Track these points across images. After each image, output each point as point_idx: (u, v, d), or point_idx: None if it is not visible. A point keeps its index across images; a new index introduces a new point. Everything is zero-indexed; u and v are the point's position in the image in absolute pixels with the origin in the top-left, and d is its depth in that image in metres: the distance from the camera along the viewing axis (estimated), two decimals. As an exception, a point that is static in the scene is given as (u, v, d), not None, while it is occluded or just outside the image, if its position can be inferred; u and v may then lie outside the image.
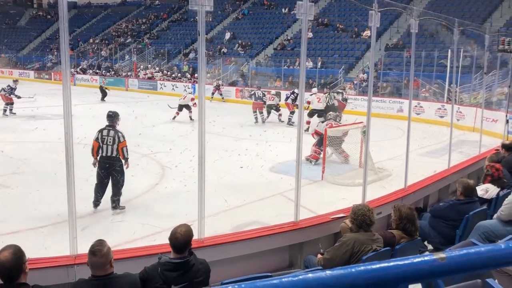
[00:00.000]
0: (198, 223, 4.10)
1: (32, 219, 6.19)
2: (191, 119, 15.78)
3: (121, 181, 6.67)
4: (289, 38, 28.19)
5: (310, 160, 9.92)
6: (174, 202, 7.05)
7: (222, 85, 24.14)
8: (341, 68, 23.34)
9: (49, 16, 44.42)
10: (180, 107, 16.09)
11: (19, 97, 16.22)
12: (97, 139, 6.62)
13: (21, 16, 46.72)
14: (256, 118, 15.78)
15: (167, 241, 3.20)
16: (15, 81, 17.12)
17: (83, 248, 3.28)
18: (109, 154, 6.57)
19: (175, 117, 16.01)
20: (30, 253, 2.79)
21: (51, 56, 36.74)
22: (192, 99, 15.95)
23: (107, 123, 6.79)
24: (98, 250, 2.90)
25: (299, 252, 4.68)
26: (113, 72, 31.89)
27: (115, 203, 6.66)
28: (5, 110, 16.04)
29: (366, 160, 5.82)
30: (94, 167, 6.65)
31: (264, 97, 16.16)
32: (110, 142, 6.56)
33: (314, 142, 10.17)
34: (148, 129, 13.90)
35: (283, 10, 30.82)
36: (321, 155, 9.48)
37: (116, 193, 6.67)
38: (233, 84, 25.60)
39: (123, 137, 6.66)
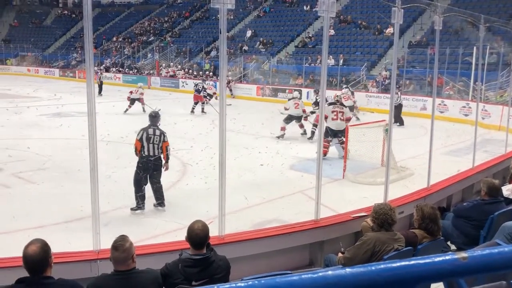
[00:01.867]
0: (219, 220, 4.12)
1: (57, 214, 6.32)
2: (144, 110, 16.18)
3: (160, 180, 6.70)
4: (310, 35, 28.03)
5: None
6: (195, 199, 7.10)
7: (232, 81, 24.22)
8: (364, 65, 23.10)
9: (73, 15, 45.24)
10: (132, 101, 16.98)
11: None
12: (141, 138, 6.51)
13: (47, 15, 47.71)
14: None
15: (188, 238, 3.22)
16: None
17: (106, 243, 3.34)
18: (155, 153, 6.53)
19: (127, 109, 16.83)
20: (54, 248, 2.85)
21: (76, 55, 37.39)
22: (142, 94, 17.09)
23: (150, 123, 6.76)
24: (121, 245, 2.94)
25: (319, 251, 4.66)
26: (135, 70, 32.28)
27: (161, 200, 6.68)
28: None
29: (388, 159, 5.76)
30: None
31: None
32: (156, 141, 6.53)
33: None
34: (169, 126, 14.01)
35: (304, 7, 30.66)
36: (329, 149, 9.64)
37: (161, 191, 6.67)
38: (254, 81, 25.64)
39: (167, 136, 6.68)
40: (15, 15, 47.42)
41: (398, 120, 15.22)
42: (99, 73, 27.27)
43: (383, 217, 3.76)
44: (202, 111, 17.59)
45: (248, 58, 28.04)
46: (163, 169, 6.71)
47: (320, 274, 0.89)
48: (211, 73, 27.70)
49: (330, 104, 10.49)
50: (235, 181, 7.66)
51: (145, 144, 6.47)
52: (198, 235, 3.15)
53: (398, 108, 15.21)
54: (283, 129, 12.34)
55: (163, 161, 6.69)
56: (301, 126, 12.63)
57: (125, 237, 3.05)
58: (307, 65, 24.25)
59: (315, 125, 12.63)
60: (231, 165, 7.40)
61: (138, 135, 6.55)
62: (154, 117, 6.84)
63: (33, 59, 39.96)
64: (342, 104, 10.89)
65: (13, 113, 15.58)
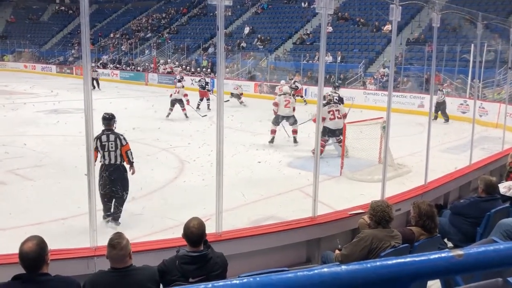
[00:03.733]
0: (216, 217, 4.13)
1: (54, 211, 6.31)
2: (186, 116, 15.09)
3: (127, 190, 6.04)
4: (308, 32, 28.00)
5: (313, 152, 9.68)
6: (192, 196, 7.10)
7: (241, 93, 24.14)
8: (361, 62, 23.11)
9: (70, 11, 45.03)
10: (173, 103, 15.06)
11: None
12: (96, 148, 5.71)
13: (44, 11, 47.48)
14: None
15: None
16: None
17: (103, 240, 3.34)
18: (112, 161, 5.86)
19: (169, 114, 15.03)
20: (51, 244, 2.85)
21: (73, 51, 37.30)
22: (186, 95, 15.18)
23: (104, 127, 6.01)
24: (118, 243, 2.94)
25: (316, 248, 4.67)
26: (133, 67, 32.21)
27: (118, 214, 6.03)
28: None
29: (385, 156, 5.77)
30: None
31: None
32: (112, 147, 5.85)
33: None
34: (167, 123, 14.04)
35: (302, 4, 30.62)
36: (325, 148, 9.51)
37: (121, 204, 6.04)
38: (252, 78, 25.61)
39: (125, 139, 5.99)
40: (12, 10, 47.16)
41: (444, 115, 15.86)
42: (92, 69, 27.12)
43: (380, 214, 3.77)
44: (208, 108, 16.94)
45: (245, 55, 28.00)
46: (129, 174, 6.06)
47: (315, 271, 0.89)
48: (208, 70, 27.66)
49: (325, 104, 9.89)
50: (233, 178, 7.66)
51: (101, 152, 5.82)
52: (193, 233, 3.15)
53: (442, 104, 15.82)
54: (273, 132, 11.22)
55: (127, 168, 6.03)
56: (295, 131, 11.35)
57: (121, 235, 3.04)
58: (305, 62, 24.23)
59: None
60: (229, 162, 7.39)
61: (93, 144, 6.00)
62: (108, 119, 6.05)
63: (30, 55, 39.78)
64: (335, 102, 10.83)
65: (9, 110, 15.52)
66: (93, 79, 23.42)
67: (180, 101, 15.04)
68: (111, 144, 5.85)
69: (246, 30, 31.03)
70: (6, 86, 23.73)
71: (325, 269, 0.90)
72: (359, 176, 8.46)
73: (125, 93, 22.35)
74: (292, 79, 21.30)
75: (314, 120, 9.69)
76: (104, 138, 5.86)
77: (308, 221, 4.65)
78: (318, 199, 4.74)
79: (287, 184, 7.91)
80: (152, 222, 6.02)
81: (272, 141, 11.15)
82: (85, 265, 3.56)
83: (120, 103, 17.12)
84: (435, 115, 15.12)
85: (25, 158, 9.36)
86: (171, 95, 15.25)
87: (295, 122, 11.31)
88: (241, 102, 19.28)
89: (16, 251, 2.77)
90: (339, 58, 23.82)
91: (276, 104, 11.28)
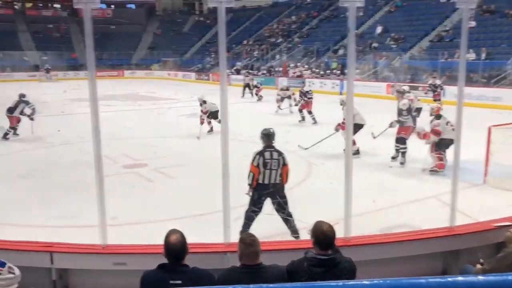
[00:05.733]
0: (345, 221, 4.06)
1: (191, 207, 6.81)
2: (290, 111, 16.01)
3: (288, 209, 5.64)
4: (447, 29, 26.11)
5: (436, 170, 8.45)
6: (320, 199, 7.09)
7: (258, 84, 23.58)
8: (510, 59, 20.79)
9: (208, 21, 48.33)
10: (282, 98, 16.51)
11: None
12: (258, 165, 5.41)
13: (185, 23, 51.79)
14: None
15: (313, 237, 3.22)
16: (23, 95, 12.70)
17: (235, 237, 3.51)
18: (272, 181, 5.47)
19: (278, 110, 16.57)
20: (188, 238, 3.07)
21: (209, 58, 39.91)
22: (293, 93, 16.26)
23: (265, 143, 5.58)
24: (253, 241, 3.06)
25: (454, 260, 4.32)
26: (264, 72, 33.33)
27: (297, 233, 5.62)
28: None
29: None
30: (249, 196, 5.62)
31: None
32: (274, 166, 5.44)
33: (430, 146, 8.64)
34: (296, 126, 14.25)
35: (440, -1, 28.67)
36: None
37: (293, 225, 5.63)
38: (384, 79, 24.75)
39: (286, 158, 5.57)
40: (159, 24, 52.34)
41: None
42: (244, 75, 27.73)
43: (532, 228, 3.35)
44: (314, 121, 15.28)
45: (377, 55, 27.12)
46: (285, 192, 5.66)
47: (449, 279, 0.82)
48: (338, 72, 27.42)
49: (437, 117, 8.54)
50: (363, 182, 7.47)
51: (262, 170, 5.43)
52: (327, 236, 3.13)
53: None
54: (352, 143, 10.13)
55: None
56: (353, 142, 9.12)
57: (252, 234, 3.17)
58: (443, 61, 22.60)
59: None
60: (359, 165, 7.23)
61: (253, 160, 5.44)
62: (270, 136, 5.63)
63: (172, 64, 43.74)
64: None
65: (156, 114, 17.18)
66: (247, 85, 24.18)
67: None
68: (274, 162, 5.46)
69: (379, 29, 30.04)
70: (154, 92, 26.33)
71: (460, 278, 0.82)
72: (507, 185, 7.61)
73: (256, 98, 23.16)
74: (434, 77, 19.46)
75: (426, 136, 8.55)
76: (267, 155, 5.45)
77: (445, 231, 4.32)
78: (457, 208, 4.38)
79: (423, 191, 7.48)
80: (281, 222, 6.13)
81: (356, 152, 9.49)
82: (219, 260, 3.76)
83: (253, 107, 17.83)
84: None
85: (169, 158, 10.29)
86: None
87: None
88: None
89: (159, 242, 3.05)
90: (483, 55, 21.75)
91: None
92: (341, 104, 10.38)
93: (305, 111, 15.05)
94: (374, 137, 9.90)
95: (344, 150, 10.13)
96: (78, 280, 3.96)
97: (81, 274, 3.95)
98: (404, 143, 9.21)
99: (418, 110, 11.76)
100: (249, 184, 5.52)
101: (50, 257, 3.79)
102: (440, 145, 8.42)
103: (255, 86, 23.09)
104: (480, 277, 0.82)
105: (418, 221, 5.89)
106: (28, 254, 3.82)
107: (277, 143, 5.72)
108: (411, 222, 6.00)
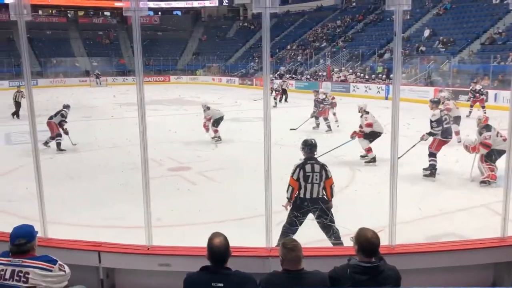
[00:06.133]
0: (389, 229, 3.96)
1: (234, 211, 6.87)
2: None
3: (333, 221, 5.32)
4: (500, 31, 25.08)
5: (488, 181, 7.97)
6: (364, 206, 6.95)
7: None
8: None
9: (252, 27, 48.70)
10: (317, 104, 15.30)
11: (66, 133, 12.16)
12: (298, 178, 5.16)
13: (229, 28, 52.46)
14: None
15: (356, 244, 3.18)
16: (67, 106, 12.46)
17: (276, 242, 3.50)
18: (314, 195, 5.19)
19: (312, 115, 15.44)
20: (230, 242, 3.09)
21: (253, 64, 40.18)
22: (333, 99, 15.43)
23: (305, 155, 5.35)
24: (295, 246, 3.05)
25: (506, 272, 4.12)
26: (308, 76, 33.17)
27: (340, 241, 5.26)
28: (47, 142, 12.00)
29: None
30: (286, 210, 5.35)
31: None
32: (316, 179, 5.16)
33: (479, 158, 8.25)
34: (336, 132, 14.10)
35: (493, 0, 27.57)
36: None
37: (336, 231, 5.31)
38: (431, 84, 24.05)
39: (329, 171, 5.26)
40: (203, 30, 53.29)
41: None
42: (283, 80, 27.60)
43: None
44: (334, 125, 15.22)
45: (425, 59, 26.42)
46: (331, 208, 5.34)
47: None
48: (383, 76, 26.91)
49: (488, 128, 8.17)
50: (408, 189, 7.28)
51: (303, 184, 5.17)
52: (372, 243, 3.07)
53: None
54: (368, 150, 9.92)
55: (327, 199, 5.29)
56: (370, 149, 10.01)
57: (294, 239, 3.16)
58: (496, 64, 21.72)
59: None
60: (404, 172, 7.03)
61: (293, 173, 5.19)
62: (312, 147, 5.34)
63: (217, 69, 44.38)
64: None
65: (202, 119, 17.43)
66: (284, 90, 23.88)
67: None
68: (316, 175, 5.17)
69: (426, 33, 29.28)
70: (199, 97, 26.75)
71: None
72: None
73: (298, 102, 23.10)
74: (475, 82, 17.88)
75: (474, 149, 8.11)
76: (308, 168, 5.17)
77: (497, 242, 4.13)
78: (510, 218, 4.19)
79: (472, 199, 7.21)
80: (319, 229, 6.06)
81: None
82: (261, 264, 3.76)
83: (294, 114, 17.79)
84: None
85: (212, 162, 10.43)
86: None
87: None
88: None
89: (202, 244, 3.09)
90: (539, 58, 20.76)
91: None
92: (359, 112, 10.26)
93: (321, 118, 14.96)
94: (407, 151, 9.35)
95: (360, 156, 10.24)
96: (124, 279, 4.07)
97: (127, 273, 4.06)
98: (434, 155, 8.76)
99: (457, 119, 11.37)
100: (287, 198, 5.29)
101: (98, 256, 3.92)
102: (491, 156, 8.06)
103: (276, 90, 22.69)
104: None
105: (466, 230, 5.68)
106: (77, 252, 3.96)
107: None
108: (459, 231, 5.80)
